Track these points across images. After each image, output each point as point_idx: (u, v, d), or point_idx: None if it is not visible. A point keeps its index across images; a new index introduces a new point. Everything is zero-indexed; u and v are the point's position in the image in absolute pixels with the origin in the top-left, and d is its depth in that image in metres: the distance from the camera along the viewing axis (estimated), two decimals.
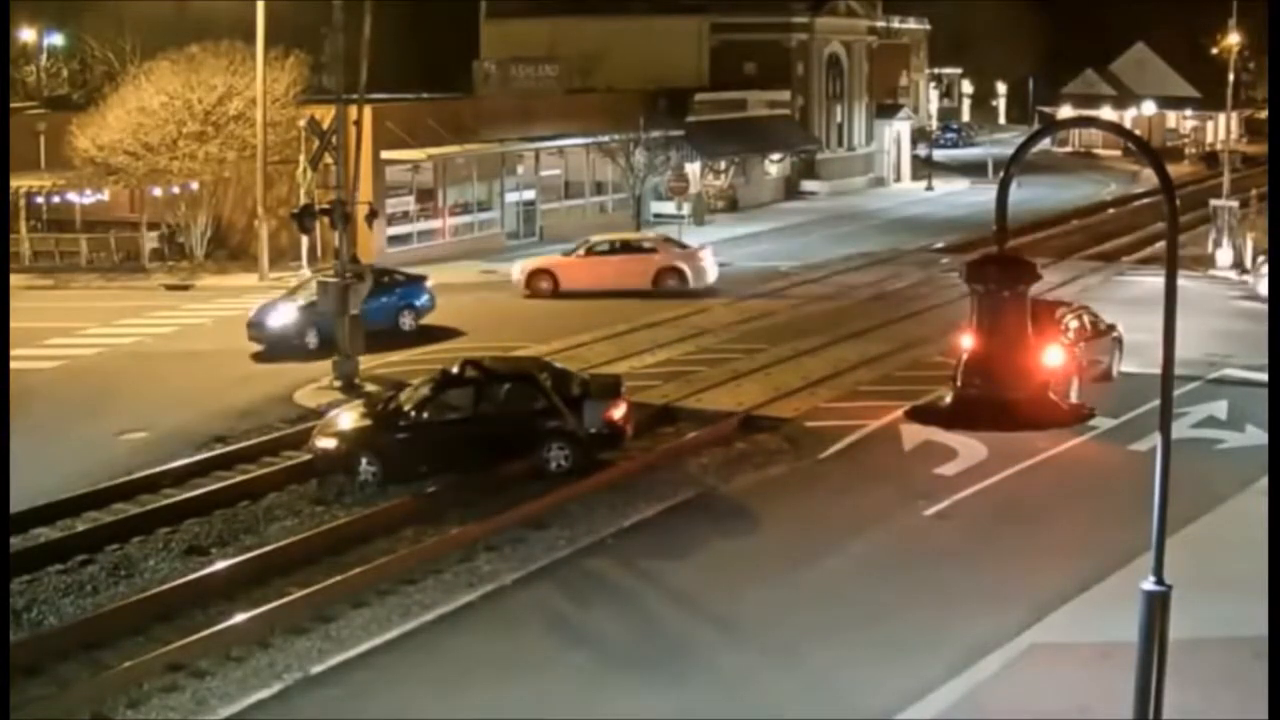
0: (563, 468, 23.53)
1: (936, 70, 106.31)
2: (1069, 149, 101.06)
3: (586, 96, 56.57)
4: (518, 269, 41.72)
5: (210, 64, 46.40)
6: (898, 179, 79.37)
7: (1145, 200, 67.93)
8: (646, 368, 31.12)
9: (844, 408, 27.75)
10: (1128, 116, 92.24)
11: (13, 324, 31.63)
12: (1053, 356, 25.33)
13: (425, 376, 25.65)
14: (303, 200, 37.47)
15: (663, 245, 43.10)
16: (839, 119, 74.04)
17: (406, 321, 35.36)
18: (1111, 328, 29.90)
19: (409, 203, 48.97)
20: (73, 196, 46.94)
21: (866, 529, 21.07)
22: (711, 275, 41.98)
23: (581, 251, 42.08)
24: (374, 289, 31.98)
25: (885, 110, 78.44)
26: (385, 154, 46.25)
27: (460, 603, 18.39)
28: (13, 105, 51.58)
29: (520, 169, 53.20)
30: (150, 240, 46.84)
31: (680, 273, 41.33)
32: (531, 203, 53.54)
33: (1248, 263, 45.45)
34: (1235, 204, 49.13)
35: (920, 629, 17.24)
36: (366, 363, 30.54)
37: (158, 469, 23.79)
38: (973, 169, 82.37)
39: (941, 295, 39.12)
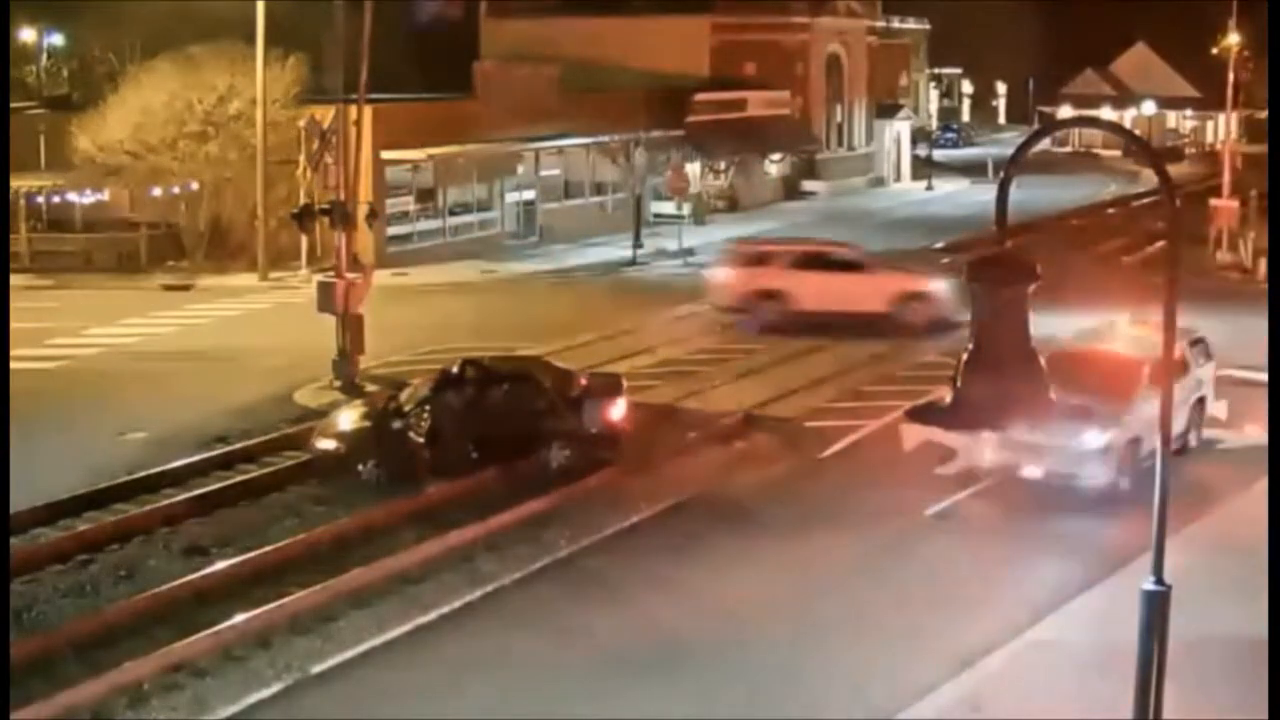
0: (563, 467, 23.52)
1: (936, 70, 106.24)
2: (1069, 149, 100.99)
3: (586, 96, 56.50)
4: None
5: (210, 64, 46.35)
6: (898, 179, 79.33)
7: (1146, 200, 67.89)
8: (647, 368, 31.12)
9: (844, 408, 27.78)
10: (1128, 116, 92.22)
11: (13, 324, 31.63)
12: None
13: (425, 377, 25.65)
14: (303, 200, 37.43)
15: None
16: (839, 119, 73.99)
17: None
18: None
19: (409, 203, 48.98)
20: (73, 196, 46.91)
21: (866, 529, 21.08)
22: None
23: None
24: None
25: (885, 110, 78.38)
26: (385, 154, 46.22)
27: (460, 603, 18.40)
28: (13, 105, 51.50)
29: (520, 169, 53.18)
30: (150, 240, 46.82)
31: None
32: (531, 203, 53.55)
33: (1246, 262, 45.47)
34: (1235, 203, 49.10)
35: (920, 629, 17.25)
36: None
37: (158, 469, 23.80)
38: (973, 169, 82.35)
39: None
